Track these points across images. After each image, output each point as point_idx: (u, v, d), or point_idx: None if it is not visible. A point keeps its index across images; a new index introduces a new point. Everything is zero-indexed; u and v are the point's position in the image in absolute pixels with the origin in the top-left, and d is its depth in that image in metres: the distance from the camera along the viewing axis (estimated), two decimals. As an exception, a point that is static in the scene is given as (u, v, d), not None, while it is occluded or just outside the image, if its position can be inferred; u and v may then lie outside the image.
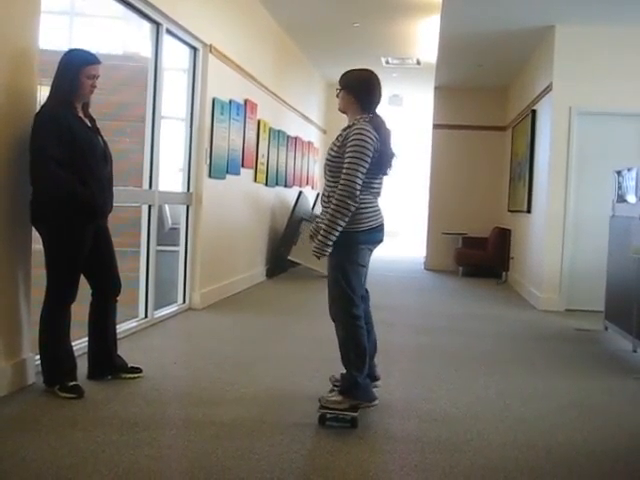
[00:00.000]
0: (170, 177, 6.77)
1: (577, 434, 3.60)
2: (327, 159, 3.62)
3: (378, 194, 3.66)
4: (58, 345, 3.80)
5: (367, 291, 3.78)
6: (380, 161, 3.54)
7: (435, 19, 8.19)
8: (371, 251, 3.66)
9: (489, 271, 11.01)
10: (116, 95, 7.27)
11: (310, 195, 11.21)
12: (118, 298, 4.15)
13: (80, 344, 4.28)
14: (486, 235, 11.58)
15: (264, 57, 8.80)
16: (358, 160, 3.43)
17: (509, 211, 10.73)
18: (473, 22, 8.06)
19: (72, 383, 3.76)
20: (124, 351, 4.27)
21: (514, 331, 6.55)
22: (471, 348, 5.63)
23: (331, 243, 3.45)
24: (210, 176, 6.78)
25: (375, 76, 3.72)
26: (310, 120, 12.21)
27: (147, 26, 5.69)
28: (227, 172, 7.27)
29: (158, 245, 5.84)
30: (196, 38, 6.35)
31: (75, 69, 3.73)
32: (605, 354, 5.71)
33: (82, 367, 4.01)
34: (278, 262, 9.57)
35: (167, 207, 7.26)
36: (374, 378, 3.82)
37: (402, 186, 21.38)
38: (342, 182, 3.43)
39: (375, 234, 3.61)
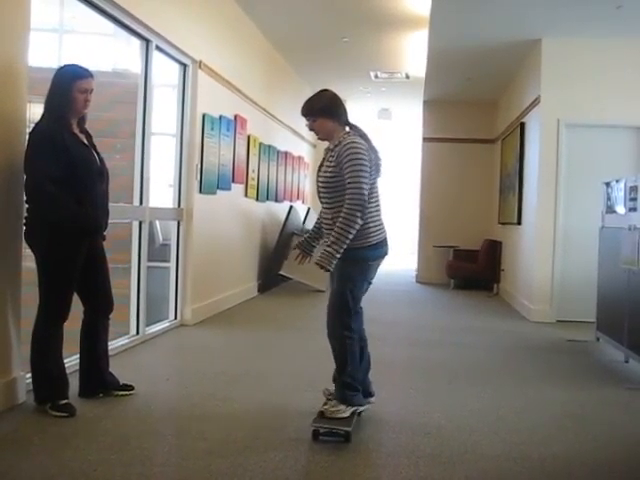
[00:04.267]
0: (160, 193, 6.76)
1: (571, 445, 3.60)
2: (322, 181, 3.63)
3: (380, 207, 3.69)
4: (50, 363, 3.77)
5: (361, 307, 3.79)
6: (374, 168, 3.60)
7: (423, 33, 8.25)
8: (378, 266, 3.71)
9: (480, 283, 11.03)
10: (109, 112, 7.28)
11: (301, 209, 11.22)
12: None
13: (71, 361, 4.26)
14: (477, 247, 11.61)
15: (253, 72, 8.83)
16: (360, 173, 3.46)
17: (499, 223, 10.77)
18: (461, 36, 8.13)
19: (63, 401, 3.72)
20: (115, 368, 4.24)
21: (506, 343, 6.56)
22: (464, 361, 5.63)
23: (339, 256, 3.45)
24: (201, 192, 6.77)
25: (332, 93, 3.75)
26: (300, 135, 12.24)
27: (137, 43, 5.71)
28: (218, 187, 7.27)
29: (149, 261, 5.83)
30: (185, 54, 6.37)
31: (67, 84, 3.72)
32: (597, 365, 5.72)
33: (74, 384, 3.98)
34: (270, 277, 9.56)
35: (158, 223, 7.25)
36: (369, 394, 3.84)
37: (393, 200, 21.46)
38: (350, 197, 3.45)
39: (382, 248, 3.67)
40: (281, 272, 9.63)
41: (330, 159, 3.61)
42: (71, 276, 3.78)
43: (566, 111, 7.84)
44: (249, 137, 8.47)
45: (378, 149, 3.67)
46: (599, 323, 6.28)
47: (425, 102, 12.34)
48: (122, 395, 4.09)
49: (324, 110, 3.65)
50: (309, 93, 12.56)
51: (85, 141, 3.86)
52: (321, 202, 3.72)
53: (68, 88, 3.72)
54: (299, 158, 12.19)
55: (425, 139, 12.47)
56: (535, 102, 8.22)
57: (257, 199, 9.11)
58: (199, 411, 3.94)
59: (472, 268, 11.32)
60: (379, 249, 3.64)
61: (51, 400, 3.71)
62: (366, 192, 3.47)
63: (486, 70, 9.75)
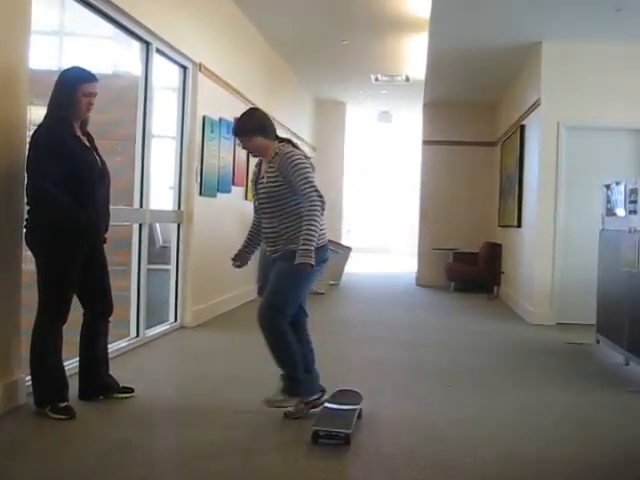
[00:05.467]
0: (161, 195, 6.76)
1: (571, 448, 3.59)
2: (265, 192, 3.80)
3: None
4: (49, 365, 3.76)
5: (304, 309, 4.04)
6: None
7: (424, 36, 8.25)
8: (319, 271, 3.88)
9: (480, 286, 11.00)
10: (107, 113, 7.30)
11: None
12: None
13: (71, 364, 4.25)
14: (477, 250, 11.60)
15: (253, 75, 8.84)
16: (308, 175, 3.69)
17: (499, 226, 10.77)
18: (461, 39, 8.13)
19: (63, 404, 3.71)
20: (115, 370, 4.23)
21: (506, 346, 6.55)
22: (464, 363, 5.62)
23: (313, 249, 3.60)
24: (201, 194, 6.77)
25: (262, 112, 4.01)
26: (300, 137, 12.24)
27: (137, 45, 5.72)
28: (218, 190, 7.27)
29: (149, 264, 5.83)
30: (186, 57, 6.38)
31: (72, 87, 3.72)
32: (597, 367, 5.71)
33: (73, 387, 3.97)
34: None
35: (158, 225, 7.25)
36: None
37: (393, 202, 21.46)
38: (307, 196, 3.66)
39: (324, 253, 3.80)
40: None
41: (270, 170, 3.78)
42: (71, 278, 3.78)
43: (566, 114, 7.84)
44: (249, 139, 8.46)
45: (310, 160, 3.89)
46: (599, 325, 6.27)
47: (425, 105, 12.34)
48: (122, 397, 4.08)
49: (257, 128, 3.82)
50: (309, 95, 12.51)
51: (87, 143, 3.86)
52: (262, 213, 3.87)
53: (72, 91, 3.71)
54: (299, 161, 12.16)
55: (425, 142, 12.47)
56: (535, 105, 8.23)
57: (257, 201, 9.09)
58: (199, 413, 3.93)
59: (472, 271, 11.31)
60: (323, 253, 3.76)
61: (51, 402, 3.70)
62: (317, 189, 3.66)
63: (486, 73, 9.75)
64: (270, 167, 3.80)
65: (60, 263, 3.72)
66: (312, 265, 3.60)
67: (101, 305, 4.04)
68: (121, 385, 4.13)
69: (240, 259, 4.12)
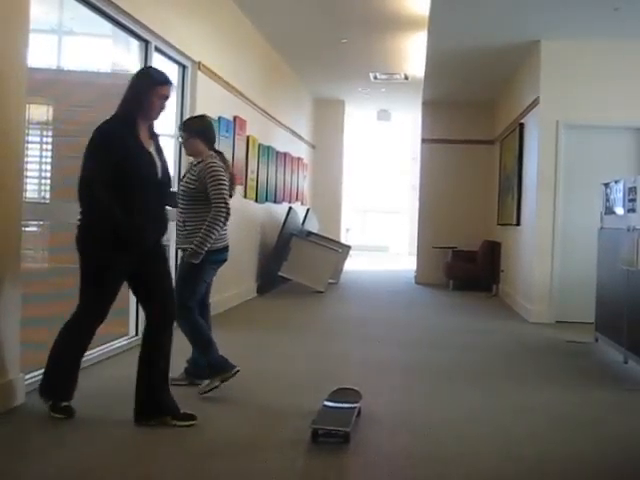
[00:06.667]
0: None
1: (569, 446, 3.60)
2: (182, 189, 4.31)
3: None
4: (67, 363, 3.67)
5: (209, 304, 4.60)
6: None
7: (422, 35, 8.26)
8: (215, 270, 4.43)
9: (479, 284, 11.01)
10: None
11: (300, 211, 11.22)
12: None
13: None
14: (476, 248, 11.60)
15: (252, 74, 8.84)
16: (220, 187, 4.18)
17: (498, 224, 10.77)
18: (460, 38, 8.13)
19: (64, 404, 3.66)
20: (115, 369, 4.24)
21: (505, 344, 6.56)
22: (462, 362, 5.62)
23: (206, 249, 4.15)
24: (200, 193, 6.76)
25: (211, 120, 4.60)
26: (299, 136, 12.25)
27: (136, 44, 5.71)
28: (217, 188, 7.25)
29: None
30: (185, 55, 6.38)
31: (146, 88, 3.61)
32: (596, 366, 5.72)
33: (81, 384, 3.94)
34: (269, 278, 9.56)
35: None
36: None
37: (392, 200, 21.48)
38: (215, 206, 4.15)
39: (220, 254, 4.36)
40: (280, 273, 9.64)
41: (192, 172, 4.28)
42: (108, 285, 3.64)
43: (565, 112, 7.84)
44: (248, 138, 8.48)
45: (235, 177, 4.54)
46: (598, 324, 6.28)
47: (424, 103, 12.34)
48: (182, 426, 3.60)
49: (200, 132, 4.33)
50: (308, 94, 12.50)
51: (150, 149, 3.68)
52: (179, 205, 4.29)
53: (146, 93, 3.60)
54: (298, 159, 12.19)
55: (424, 140, 12.48)
56: (534, 103, 8.23)
57: (256, 200, 9.11)
58: (197, 412, 3.92)
59: (471, 269, 11.31)
60: (217, 255, 4.32)
61: (54, 398, 3.65)
62: (228, 202, 4.19)
63: (485, 71, 9.75)
64: (193, 170, 4.28)
65: (97, 265, 3.58)
66: (195, 263, 4.14)
67: (156, 310, 3.71)
68: (182, 411, 3.66)
69: None
